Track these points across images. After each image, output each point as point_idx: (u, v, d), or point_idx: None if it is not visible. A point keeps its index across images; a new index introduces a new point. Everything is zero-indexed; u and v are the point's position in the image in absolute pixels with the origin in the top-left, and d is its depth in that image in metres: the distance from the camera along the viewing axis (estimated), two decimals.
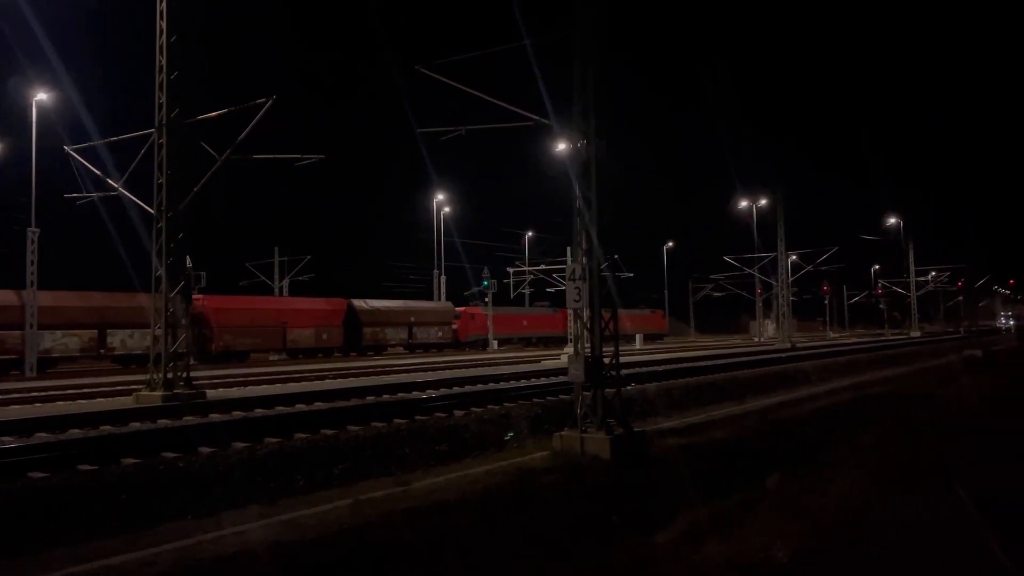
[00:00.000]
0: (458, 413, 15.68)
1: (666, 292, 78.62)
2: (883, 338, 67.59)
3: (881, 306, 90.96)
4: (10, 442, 12.04)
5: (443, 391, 20.13)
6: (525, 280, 59.53)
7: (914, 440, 12.61)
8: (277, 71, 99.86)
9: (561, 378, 19.59)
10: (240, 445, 11.81)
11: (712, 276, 74.65)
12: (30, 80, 30.80)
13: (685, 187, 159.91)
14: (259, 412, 16.16)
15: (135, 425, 14.42)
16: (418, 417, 15.06)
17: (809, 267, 61.26)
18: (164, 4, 17.93)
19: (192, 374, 18.58)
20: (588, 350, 11.14)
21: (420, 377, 24.62)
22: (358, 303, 47.47)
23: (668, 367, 26.38)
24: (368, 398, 18.53)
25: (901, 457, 11.20)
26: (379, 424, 14.12)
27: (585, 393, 11.01)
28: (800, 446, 11.83)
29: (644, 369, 24.47)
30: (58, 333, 32.60)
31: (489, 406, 16.52)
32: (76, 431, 13.48)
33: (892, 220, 72.62)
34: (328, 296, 47.96)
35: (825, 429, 13.61)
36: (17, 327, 30.46)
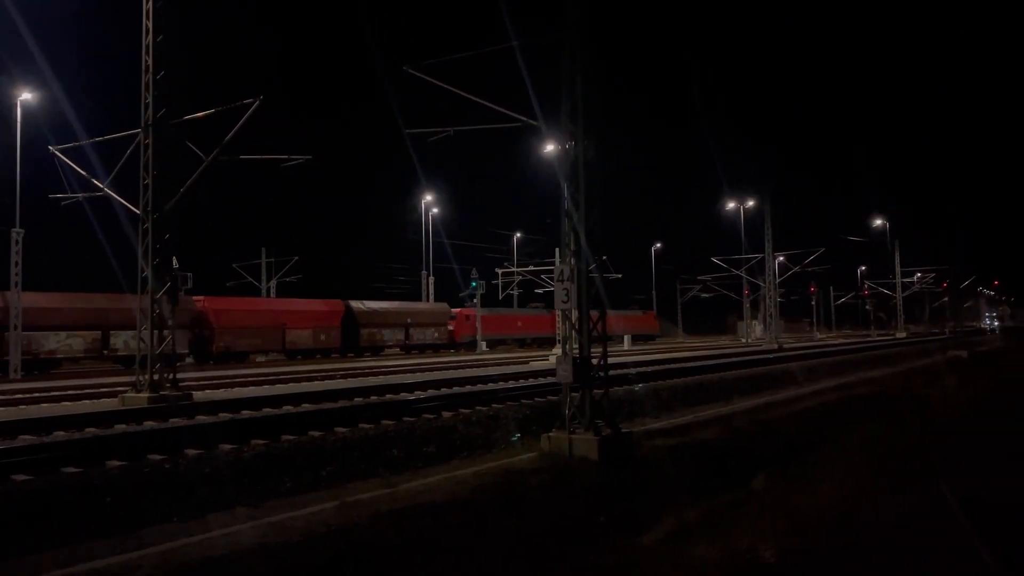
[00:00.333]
0: (446, 414, 15.66)
1: (654, 293, 78.81)
2: (869, 339, 68.03)
3: (867, 307, 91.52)
4: None
5: (431, 392, 20.10)
6: (513, 281, 59.55)
7: (900, 440, 12.68)
8: (265, 71, 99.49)
9: (550, 379, 19.60)
10: (227, 447, 11.76)
11: (700, 277, 74.90)
12: (15, 80, 30.57)
13: (673, 188, 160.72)
14: (246, 414, 16.08)
15: (120, 427, 14.32)
16: (406, 418, 15.03)
17: (796, 268, 61.57)
18: (150, 4, 17.83)
19: (185, 375, 18.47)
20: (576, 351, 11.15)
21: (412, 378, 24.60)
22: (356, 304, 47.55)
23: (656, 368, 26.46)
24: (356, 400, 18.47)
25: (888, 457, 11.26)
26: (367, 426, 14.09)
27: (573, 394, 11.01)
28: (787, 446, 11.87)
29: (632, 370, 24.51)
30: (62, 334, 32.85)
31: (478, 407, 16.51)
32: (61, 433, 13.38)
33: (878, 221, 73.28)
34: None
35: (812, 429, 13.66)
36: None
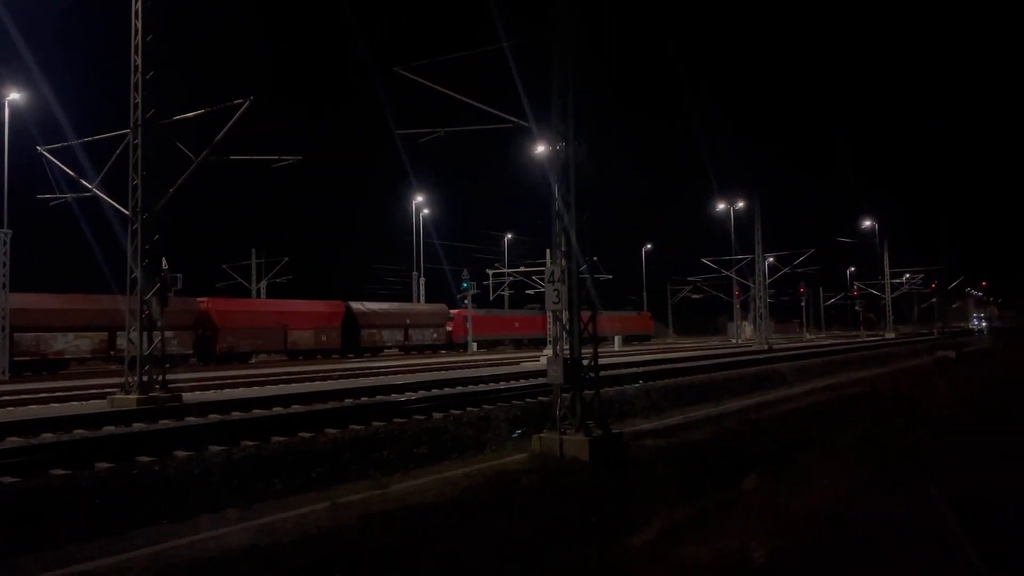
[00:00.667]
0: (437, 415, 15.64)
1: (645, 294, 78.96)
2: (859, 339, 68.27)
3: (857, 308, 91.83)
4: None
5: (423, 393, 20.07)
6: (504, 282, 59.52)
7: (890, 440, 12.74)
8: (255, 72, 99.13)
9: (541, 380, 19.60)
10: (216, 448, 11.70)
11: (690, 278, 75.20)
12: (2, 79, 30.37)
13: (663, 190, 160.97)
14: (236, 415, 16.02)
15: (109, 429, 14.24)
16: (397, 420, 15.00)
17: (786, 269, 61.71)
18: (139, 3, 17.74)
19: (182, 376, 18.37)
20: (568, 352, 11.16)
21: (406, 379, 24.54)
22: (356, 305, 47.68)
23: (647, 368, 26.47)
24: (347, 401, 18.42)
25: (877, 457, 11.32)
26: (357, 427, 14.05)
27: (564, 395, 11.02)
28: (777, 447, 11.91)
29: (623, 371, 24.54)
30: (70, 335, 32.95)
31: (469, 408, 16.49)
32: (49, 435, 13.29)
33: (867, 223, 73.59)
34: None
35: (802, 430, 13.71)
36: None
